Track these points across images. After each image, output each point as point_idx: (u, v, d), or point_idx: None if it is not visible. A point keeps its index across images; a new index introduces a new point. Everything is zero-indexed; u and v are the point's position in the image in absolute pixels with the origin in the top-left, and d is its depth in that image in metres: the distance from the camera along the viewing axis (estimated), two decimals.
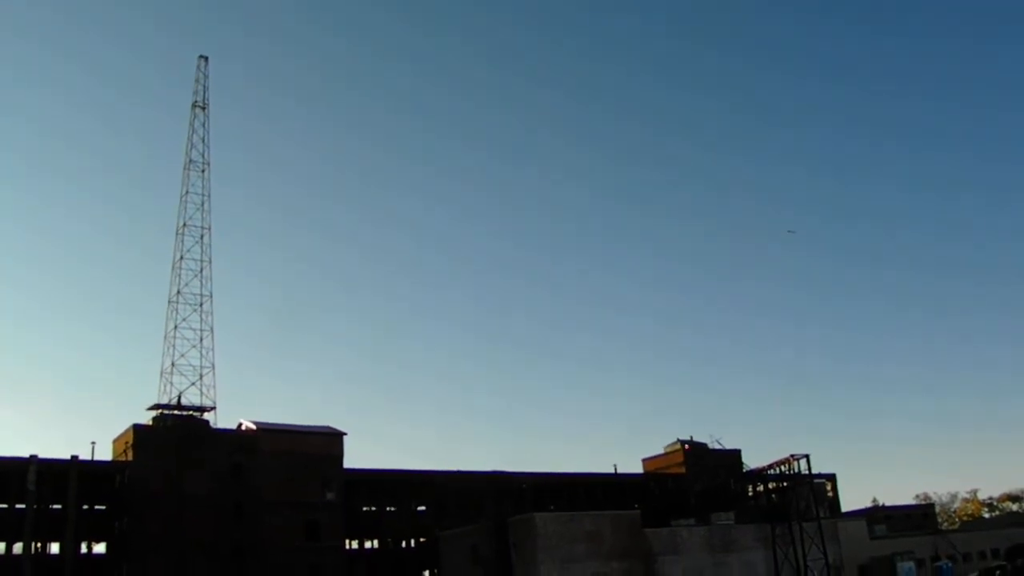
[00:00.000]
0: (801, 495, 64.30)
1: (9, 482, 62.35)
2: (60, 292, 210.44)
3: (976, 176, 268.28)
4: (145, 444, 66.55)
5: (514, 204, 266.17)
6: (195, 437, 68.83)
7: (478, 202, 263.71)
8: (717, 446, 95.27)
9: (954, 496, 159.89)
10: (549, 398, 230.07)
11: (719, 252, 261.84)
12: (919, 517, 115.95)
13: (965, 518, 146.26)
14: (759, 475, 67.98)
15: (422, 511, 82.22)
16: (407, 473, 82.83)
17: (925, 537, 78.45)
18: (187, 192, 79.40)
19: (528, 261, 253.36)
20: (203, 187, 79.97)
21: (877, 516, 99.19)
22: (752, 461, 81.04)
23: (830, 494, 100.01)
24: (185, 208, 78.83)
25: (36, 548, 62.38)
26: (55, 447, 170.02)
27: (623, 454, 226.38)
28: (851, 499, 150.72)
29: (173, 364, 73.35)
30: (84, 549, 66.70)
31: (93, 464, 67.53)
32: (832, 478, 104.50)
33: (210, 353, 74.90)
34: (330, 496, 71.77)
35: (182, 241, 77.70)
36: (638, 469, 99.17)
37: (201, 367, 73.95)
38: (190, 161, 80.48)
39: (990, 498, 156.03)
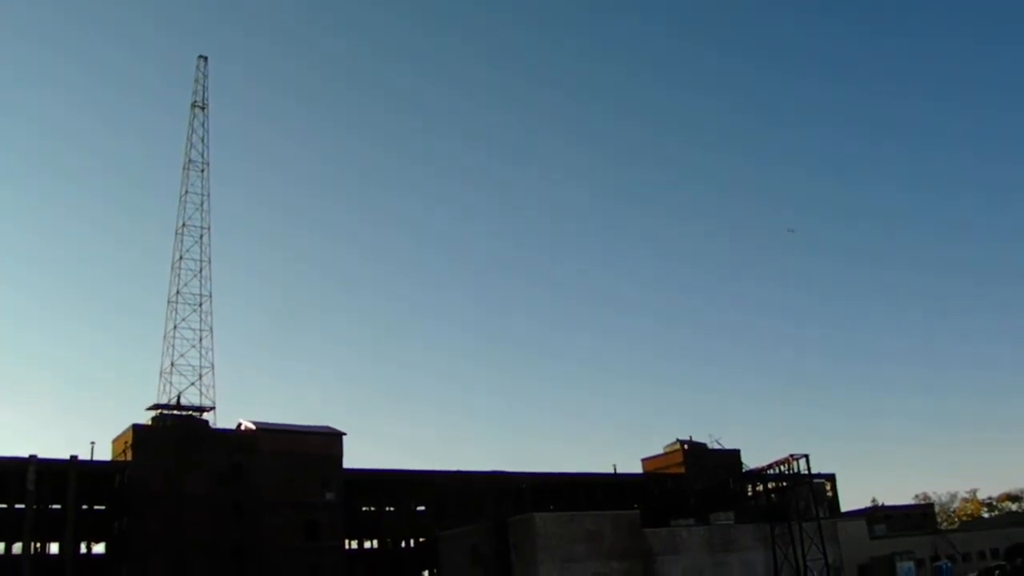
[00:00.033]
0: (801, 495, 64.33)
1: (8, 482, 62.33)
2: (60, 292, 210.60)
3: (976, 176, 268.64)
4: (144, 444, 66.53)
5: (514, 204, 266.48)
6: (194, 437, 68.81)
7: (478, 202, 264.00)
8: (716, 446, 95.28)
9: (953, 496, 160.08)
10: (549, 398, 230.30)
11: (719, 252, 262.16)
12: (918, 517, 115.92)
13: (964, 518, 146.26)
14: (759, 475, 68.03)
15: (422, 511, 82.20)
16: (407, 473, 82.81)
17: (924, 537, 78.48)
18: (186, 192, 79.48)
19: (528, 261, 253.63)
20: (202, 187, 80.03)
21: (876, 516, 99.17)
22: (751, 461, 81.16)
23: (829, 494, 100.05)
24: (184, 208, 78.94)
25: (35, 548, 62.36)
26: (54, 447, 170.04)
27: (623, 454, 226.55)
28: (850, 499, 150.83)
29: (172, 364, 73.42)
30: (83, 549, 66.72)
31: (92, 464, 67.57)
32: (832, 478, 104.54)
33: (209, 353, 75.02)
34: (329, 496, 71.75)
35: (181, 241, 77.80)
36: (638, 469, 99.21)
37: (200, 367, 74.04)
38: (189, 161, 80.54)
39: (989, 498, 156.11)
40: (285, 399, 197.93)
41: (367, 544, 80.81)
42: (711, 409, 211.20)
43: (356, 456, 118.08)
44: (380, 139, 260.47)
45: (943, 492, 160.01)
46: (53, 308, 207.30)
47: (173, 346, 74.08)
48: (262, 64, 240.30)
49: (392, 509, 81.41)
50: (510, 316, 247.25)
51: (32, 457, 61.65)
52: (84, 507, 65.56)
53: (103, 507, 68.17)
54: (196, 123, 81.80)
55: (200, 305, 76.19)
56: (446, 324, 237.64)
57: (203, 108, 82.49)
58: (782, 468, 64.50)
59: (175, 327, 74.76)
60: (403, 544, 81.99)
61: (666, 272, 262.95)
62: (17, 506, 62.34)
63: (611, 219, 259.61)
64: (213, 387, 73.81)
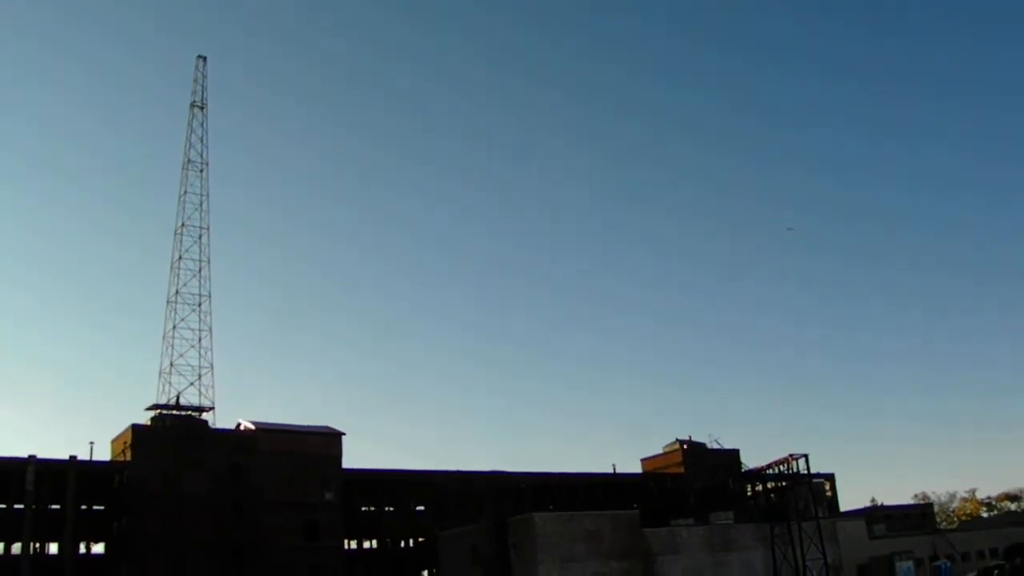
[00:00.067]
0: (800, 495, 64.32)
1: (8, 482, 62.28)
2: (59, 292, 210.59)
3: (976, 176, 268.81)
4: (144, 444, 66.50)
5: (514, 204, 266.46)
6: (194, 437, 68.78)
7: (478, 202, 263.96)
8: (716, 446, 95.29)
9: (953, 496, 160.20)
10: (549, 398, 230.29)
11: (719, 252, 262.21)
12: (918, 517, 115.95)
13: (964, 518, 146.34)
14: (758, 475, 68.02)
15: (421, 511, 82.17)
16: (406, 473, 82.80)
17: (924, 537, 78.51)
18: (185, 192, 79.47)
19: (528, 261, 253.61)
20: (202, 187, 80.00)
21: (876, 516, 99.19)
22: (751, 461, 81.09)
23: (829, 494, 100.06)
24: (183, 208, 78.92)
25: (35, 548, 62.33)
26: (54, 447, 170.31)
27: (622, 454, 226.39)
28: (850, 499, 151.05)
29: (172, 364, 73.42)
30: (83, 549, 66.65)
31: (92, 464, 67.54)
32: (831, 478, 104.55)
33: (209, 353, 75.01)
34: (329, 496, 71.74)
35: (180, 241, 77.77)
36: (637, 469, 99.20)
37: (200, 367, 74.03)
38: (188, 161, 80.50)
39: (988, 497, 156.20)
40: (285, 399, 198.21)
41: (367, 544, 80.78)
42: (711, 409, 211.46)
43: (356, 456, 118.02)
44: (380, 139, 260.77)
45: (942, 492, 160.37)
46: (53, 308, 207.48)
47: (172, 346, 74.18)
48: (262, 64, 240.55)
49: (392, 509, 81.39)
50: (510, 316, 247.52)
51: (31, 457, 61.64)
52: (83, 507, 65.50)
53: (102, 507, 68.11)
54: (195, 123, 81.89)
55: (199, 305, 76.23)
56: (446, 324, 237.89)
57: (202, 108, 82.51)
58: (781, 468, 64.49)
59: (174, 327, 74.80)
60: (403, 544, 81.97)
61: (666, 272, 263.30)
62: (16, 506, 62.29)
63: (611, 219, 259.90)
64: (212, 387, 73.94)
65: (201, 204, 79.29)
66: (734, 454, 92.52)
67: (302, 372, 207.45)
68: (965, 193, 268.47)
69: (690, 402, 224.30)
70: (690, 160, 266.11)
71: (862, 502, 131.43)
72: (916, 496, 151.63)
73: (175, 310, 75.35)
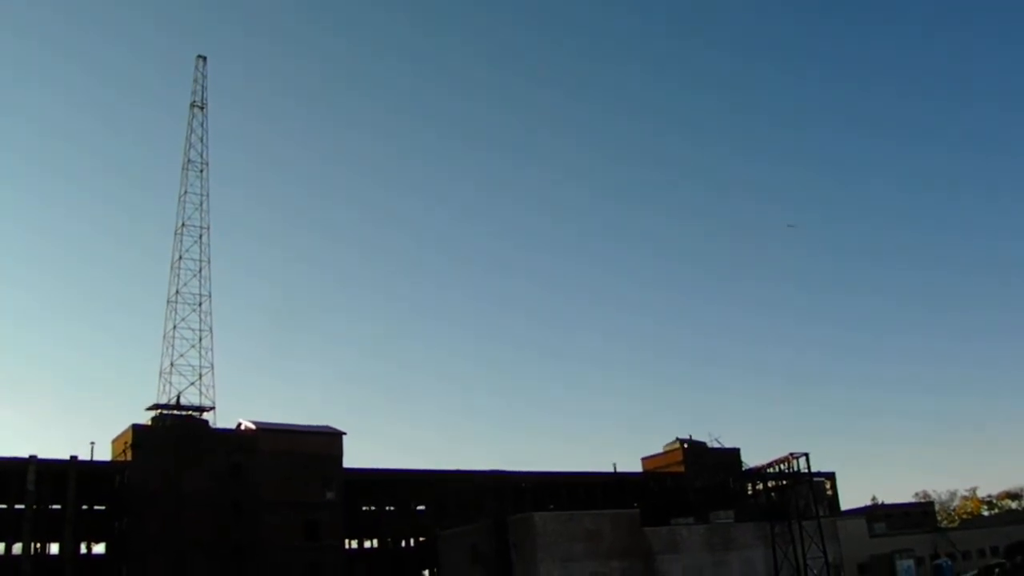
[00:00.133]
0: (800, 493, 64.35)
1: (8, 482, 62.33)
2: (60, 292, 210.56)
3: (976, 175, 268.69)
4: (144, 444, 66.53)
5: (514, 204, 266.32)
6: (194, 437, 68.80)
7: (478, 202, 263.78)
8: (716, 445, 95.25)
9: (953, 494, 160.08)
10: (549, 398, 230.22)
11: (719, 252, 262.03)
12: (918, 515, 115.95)
13: (964, 516, 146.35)
14: (758, 474, 68.04)
15: (421, 511, 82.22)
16: (407, 473, 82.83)
17: (924, 535, 78.50)
18: (185, 192, 79.48)
19: (528, 261, 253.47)
20: (202, 187, 80.00)
21: (876, 514, 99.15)
22: (751, 460, 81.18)
23: (829, 492, 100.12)
24: (184, 208, 78.93)
25: (35, 548, 62.36)
26: (54, 447, 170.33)
27: (622, 453, 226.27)
28: (850, 497, 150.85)
29: (172, 364, 73.41)
30: (83, 549, 66.68)
31: (92, 464, 67.55)
32: (831, 476, 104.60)
33: (209, 353, 75.02)
34: (329, 496, 71.75)
35: (180, 241, 77.79)
36: (637, 468, 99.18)
37: (200, 367, 74.03)
38: (188, 161, 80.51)
39: (989, 496, 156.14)
40: (285, 399, 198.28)
41: (367, 544, 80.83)
42: (711, 408, 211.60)
43: (356, 456, 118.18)
44: (380, 139, 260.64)
45: (943, 490, 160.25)
46: (53, 308, 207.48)
47: (173, 346, 74.18)
48: (262, 64, 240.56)
49: (392, 509, 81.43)
50: (510, 316, 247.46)
51: (32, 457, 61.71)
52: (84, 507, 65.56)
53: (103, 507, 68.14)
54: (195, 123, 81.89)
55: (200, 305, 76.24)
56: (446, 324, 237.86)
57: (202, 108, 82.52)
58: (782, 467, 64.50)
59: (175, 327, 74.81)
60: (403, 543, 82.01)
61: (666, 272, 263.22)
62: (17, 506, 62.34)
63: (611, 219, 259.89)
64: (213, 387, 73.93)
65: (201, 204, 79.39)
66: (734, 453, 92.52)
67: (302, 372, 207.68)
68: (965, 192, 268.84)
69: (690, 401, 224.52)
70: (690, 160, 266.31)
71: (863, 501, 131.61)
72: (917, 494, 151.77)
73: (175, 310, 75.45)
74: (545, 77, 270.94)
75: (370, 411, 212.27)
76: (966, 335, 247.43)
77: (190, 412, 72.05)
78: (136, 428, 67.77)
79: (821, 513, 66.33)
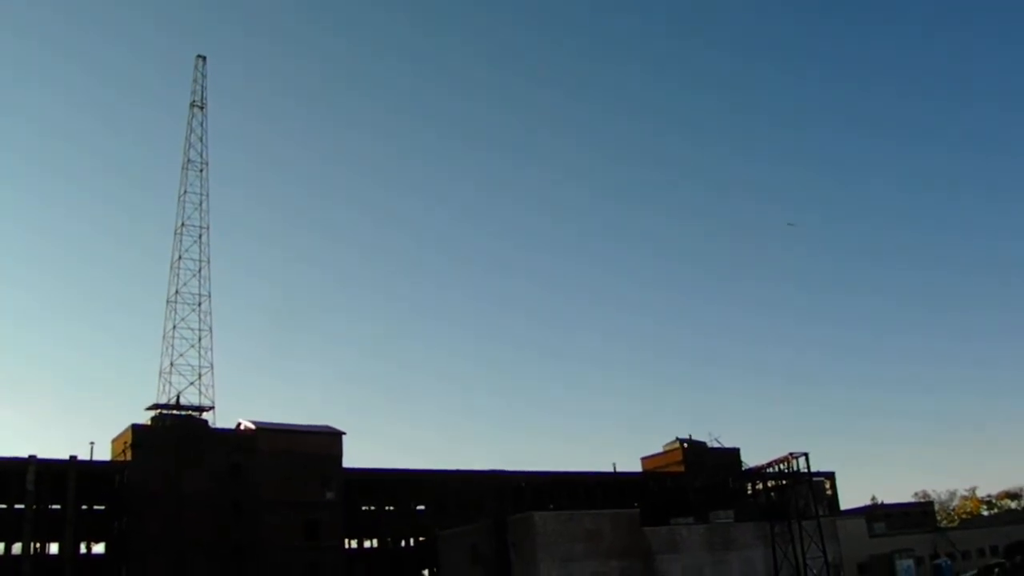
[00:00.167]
0: (800, 493, 64.38)
1: (8, 482, 62.31)
2: (60, 292, 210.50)
3: (975, 174, 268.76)
4: (144, 444, 66.50)
5: (514, 204, 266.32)
6: (194, 437, 68.78)
7: (478, 202, 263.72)
8: (716, 444, 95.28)
9: (953, 494, 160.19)
10: (549, 398, 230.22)
11: (719, 252, 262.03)
12: (918, 515, 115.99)
13: (964, 516, 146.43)
14: (758, 473, 68.08)
15: (421, 510, 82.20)
16: (406, 472, 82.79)
17: (924, 535, 78.53)
18: (185, 192, 79.42)
19: (528, 261, 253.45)
20: (201, 187, 79.96)
21: (876, 514, 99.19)
22: (751, 459, 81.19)
23: (829, 492, 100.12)
24: (183, 208, 78.88)
25: (35, 548, 62.33)
26: (54, 447, 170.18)
27: (622, 453, 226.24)
28: (850, 497, 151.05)
29: (172, 364, 73.38)
30: (83, 549, 66.63)
31: (92, 464, 67.51)
32: (831, 476, 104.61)
33: (209, 353, 74.98)
34: (329, 495, 71.74)
35: (180, 241, 77.75)
36: (637, 468, 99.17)
37: (200, 367, 73.99)
38: (188, 161, 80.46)
39: (989, 496, 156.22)
40: (285, 399, 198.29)
41: (367, 543, 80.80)
42: (710, 408, 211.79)
43: (356, 456, 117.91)
44: (380, 139, 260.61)
45: (942, 490, 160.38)
46: (53, 308, 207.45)
47: (172, 346, 74.14)
48: (262, 64, 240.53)
49: (392, 508, 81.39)
50: (510, 316, 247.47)
51: (32, 457, 61.70)
52: (84, 507, 65.50)
53: (103, 507, 68.10)
54: (195, 123, 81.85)
55: (199, 305, 76.22)
56: (446, 324, 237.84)
57: (202, 108, 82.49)
58: (782, 466, 64.53)
59: (174, 327, 74.78)
60: (403, 543, 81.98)
61: (666, 272, 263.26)
62: (17, 506, 62.32)
63: (611, 219, 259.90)
64: (212, 387, 73.89)
65: (201, 204, 79.35)
66: (734, 453, 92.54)
67: (302, 372, 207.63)
68: (965, 192, 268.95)
69: (690, 401, 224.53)
70: (690, 160, 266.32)
71: (862, 500, 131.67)
72: (916, 494, 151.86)
73: (175, 310, 75.42)
74: (545, 77, 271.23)
75: (370, 411, 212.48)
76: (966, 335, 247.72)
77: (190, 412, 72.02)
78: (136, 428, 67.75)
79: (821, 513, 66.34)
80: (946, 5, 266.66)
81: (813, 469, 65.38)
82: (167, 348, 73.97)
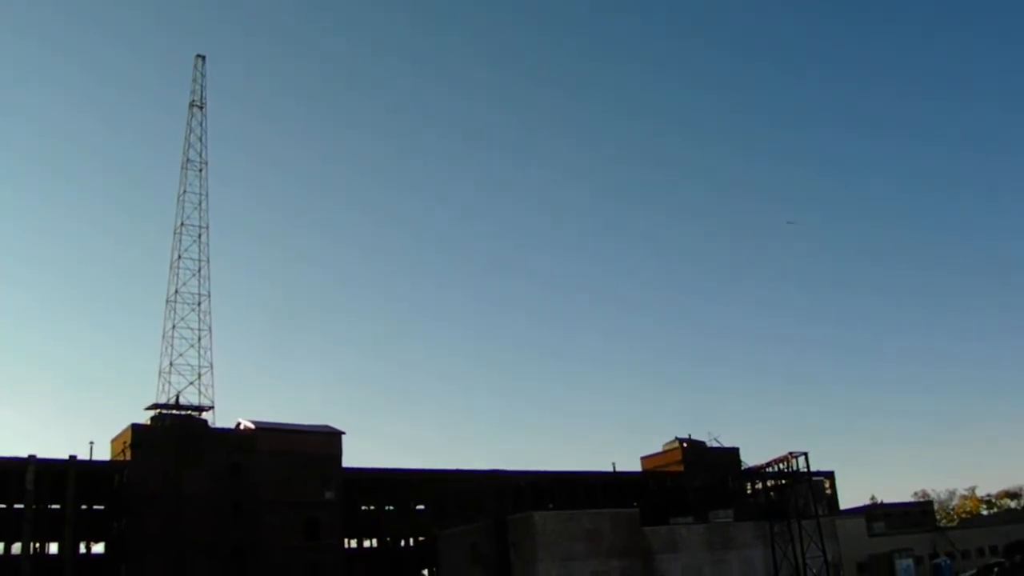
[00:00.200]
0: (800, 493, 64.39)
1: (8, 482, 62.25)
2: (59, 292, 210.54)
3: (976, 174, 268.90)
4: (143, 444, 66.46)
5: (514, 204, 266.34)
6: (193, 437, 68.75)
7: (478, 202, 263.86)
8: (715, 444, 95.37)
9: (952, 493, 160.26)
10: (549, 398, 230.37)
11: (719, 252, 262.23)
12: (917, 515, 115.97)
13: (963, 515, 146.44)
14: (758, 473, 68.06)
15: (421, 510, 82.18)
16: (406, 472, 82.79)
17: (924, 534, 78.54)
18: (184, 191, 79.42)
19: (528, 261, 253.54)
20: (201, 186, 79.95)
21: (876, 514, 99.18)
22: (750, 459, 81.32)
23: (828, 492, 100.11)
24: (183, 207, 78.87)
25: (35, 548, 62.31)
26: (54, 447, 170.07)
27: (622, 453, 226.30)
28: (849, 497, 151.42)
29: (171, 364, 73.37)
30: (83, 549, 66.60)
31: (91, 464, 67.47)
32: (831, 476, 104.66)
33: (208, 352, 74.97)
34: (329, 495, 71.72)
35: (180, 240, 77.73)
36: (637, 467, 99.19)
37: (199, 366, 73.99)
38: (188, 160, 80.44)
39: (988, 495, 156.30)
40: (284, 399, 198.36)
41: (367, 543, 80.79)
42: (710, 407, 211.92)
43: (356, 455, 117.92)
44: (380, 139, 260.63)
45: (942, 490, 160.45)
46: (53, 308, 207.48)
47: (172, 346, 74.14)
48: (262, 64, 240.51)
49: (392, 508, 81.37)
50: (510, 316, 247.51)
51: (31, 457, 61.65)
52: (83, 507, 65.45)
53: (102, 507, 68.04)
54: (194, 122, 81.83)
55: (199, 304, 76.20)
56: (446, 324, 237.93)
57: (201, 107, 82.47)
58: (781, 466, 64.52)
59: (174, 327, 74.76)
60: (402, 543, 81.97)
61: (666, 272, 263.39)
62: (16, 506, 62.26)
63: (611, 219, 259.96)
64: (212, 386, 73.90)
65: (200, 203, 79.33)
66: (734, 452, 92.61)
67: (302, 372, 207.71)
68: (965, 192, 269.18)
69: (690, 401, 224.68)
70: (690, 160, 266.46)
71: (862, 500, 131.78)
72: (916, 494, 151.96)
73: (175, 309, 75.40)
74: (545, 77, 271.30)
75: (370, 411, 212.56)
76: (966, 335, 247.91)
77: (189, 412, 72.00)
78: (135, 428, 67.71)
79: (820, 512, 66.34)
80: (946, 5, 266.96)
81: (813, 469, 65.39)
82: (167, 348, 74.09)
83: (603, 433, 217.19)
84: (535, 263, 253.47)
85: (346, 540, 75.53)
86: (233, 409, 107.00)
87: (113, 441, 72.77)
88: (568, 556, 53.07)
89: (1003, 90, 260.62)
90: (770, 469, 65.62)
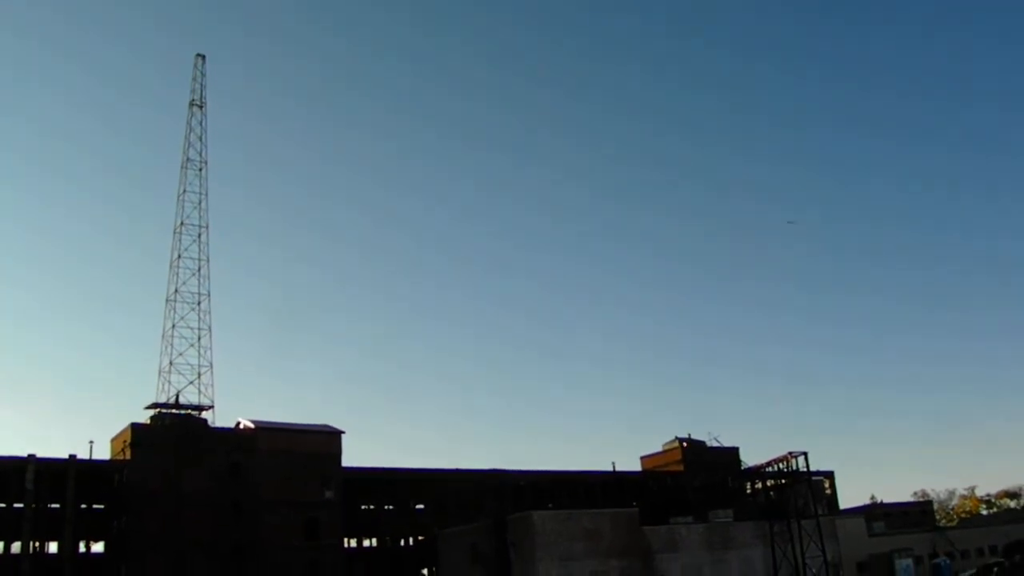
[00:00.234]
0: (799, 492, 64.39)
1: (8, 481, 62.24)
2: (59, 291, 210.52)
3: (976, 174, 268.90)
4: (143, 443, 66.45)
5: (514, 204, 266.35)
6: (193, 436, 68.74)
7: (478, 202, 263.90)
8: (715, 444, 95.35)
9: (952, 493, 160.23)
10: (549, 397, 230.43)
11: (719, 252, 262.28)
12: (917, 514, 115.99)
13: (963, 515, 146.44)
14: (757, 472, 68.05)
15: (421, 510, 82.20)
16: (406, 472, 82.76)
17: (923, 534, 78.55)
18: (184, 191, 79.39)
19: (528, 261, 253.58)
20: (200, 186, 79.94)
21: (875, 513, 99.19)
22: (750, 459, 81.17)
23: (828, 491, 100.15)
24: (182, 207, 78.84)
25: (35, 547, 62.33)
26: (53, 446, 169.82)
27: (622, 452, 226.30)
28: (849, 496, 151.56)
29: (171, 363, 73.36)
30: (82, 548, 66.62)
31: (91, 463, 67.48)
32: (830, 475, 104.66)
33: (208, 352, 74.95)
34: (329, 495, 71.71)
35: (179, 240, 77.71)
36: (636, 467, 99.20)
37: (199, 366, 73.97)
38: (187, 160, 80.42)
39: (988, 495, 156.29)
40: (284, 398, 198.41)
41: (366, 543, 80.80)
42: (710, 407, 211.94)
43: (355, 455, 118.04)
44: (380, 139, 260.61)
45: (941, 489, 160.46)
46: (52, 307, 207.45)
47: (172, 345, 74.12)
48: (262, 64, 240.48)
49: (391, 508, 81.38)
50: (510, 316, 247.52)
51: (31, 456, 61.66)
52: (83, 506, 65.48)
53: (102, 506, 68.06)
54: (194, 122, 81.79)
55: (199, 304, 76.18)
56: (446, 324, 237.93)
57: (201, 107, 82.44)
58: (781, 466, 64.51)
59: (173, 326, 74.75)
60: (402, 543, 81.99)
61: (666, 272, 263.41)
62: (16, 505, 62.28)
63: (611, 219, 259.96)
64: (212, 386, 73.88)
65: (200, 203, 79.31)
66: (733, 452, 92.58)
67: (302, 371, 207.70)
68: (965, 192, 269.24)
69: (690, 401, 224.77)
70: (690, 160, 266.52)
71: (861, 500, 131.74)
72: (915, 494, 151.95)
73: (174, 309, 75.39)
74: (545, 77, 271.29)
75: (369, 410, 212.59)
76: (966, 335, 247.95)
77: (189, 411, 71.99)
78: (135, 427, 67.69)
79: (820, 512, 66.35)
80: (946, 5, 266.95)
81: (812, 468, 65.37)
82: (166, 347, 74.07)
83: (603, 433, 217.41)
84: (535, 263, 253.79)
85: (346, 540, 75.53)
86: (233, 408, 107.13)
87: (113, 440, 72.77)
88: (568, 556, 53.08)
89: (1003, 90, 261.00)
90: (770, 469, 65.62)
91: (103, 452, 72.11)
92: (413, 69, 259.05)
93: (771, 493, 65.64)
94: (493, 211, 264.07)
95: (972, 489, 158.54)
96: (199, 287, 76.62)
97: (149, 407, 71.14)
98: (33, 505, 60.81)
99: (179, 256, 77.09)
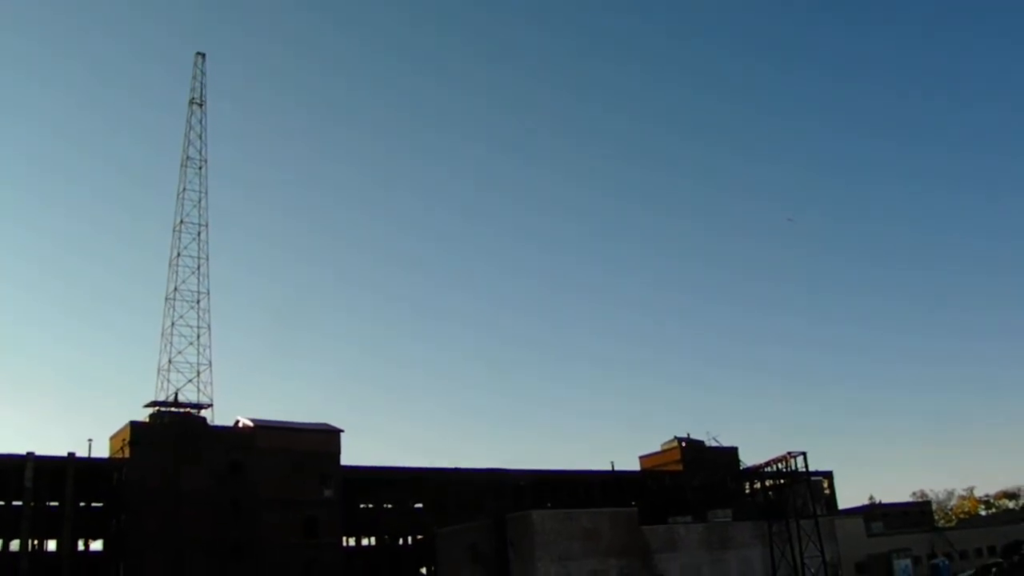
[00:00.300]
0: (798, 492, 64.42)
1: (6, 479, 62.19)
2: (58, 290, 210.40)
3: (976, 174, 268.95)
4: (142, 441, 66.40)
5: (515, 203, 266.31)
6: (192, 434, 68.72)
7: (478, 201, 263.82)
8: (714, 443, 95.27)
9: (951, 493, 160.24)
10: (548, 396, 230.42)
11: (719, 251, 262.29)
12: (916, 514, 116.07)
13: (962, 515, 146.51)
14: (756, 472, 68.08)
15: (420, 508, 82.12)
16: (405, 470, 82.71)
17: (922, 534, 78.61)
18: (184, 189, 79.31)
19: (529, 261, 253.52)
20: (200, 184, 79.88)
21: (874, 513, 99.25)
22: (749, 458, 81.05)
23: (827, 491, 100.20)
24: (182, 205, 78.76)
25: (33, 545, 62.32)
26: (52, 444, 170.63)
27: (621, 452, 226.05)
28: (848, 496, 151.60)
29: (170, 361, 73.32)
30: (81, 546, 66.63)
31: (90, 461, 67.37)
32: (829, 475, 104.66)
33: (207, 350, 74.90)
34: (328, 493, 71.69)
35: (179, 238, 77.66)
36: (635, 467, 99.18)
37: (198, 364, 73.93)
38: (187, 158, 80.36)
39: (986, 495, 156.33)
40: (283, 396, 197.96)
41: (365, 541, 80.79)
42: (709, 407, 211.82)
43: (355, 453, 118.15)
44: (380, 138, 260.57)
45: (940, 490, 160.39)
46: (52, 306, 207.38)
47: (171, 343, 74.07)
48: (262, 63, 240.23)
49: (390, 506, 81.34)
50: (510, 316, 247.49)
51: (30, 454, 61.62)
52: (82, 504, 65.42)
53: (101, 504, 68.03)
54: (194, 120, 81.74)
55: (198, 302, 76.13)
56: (446, 324, 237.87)
57: (201, 105, 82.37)
58: (780, 466, 64.53)
59: (173, 324, 74.70)
60: (401, 541, 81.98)
61: (666, 271, 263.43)
62: (15, 503, 62.22)
63: (612, 218, 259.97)
64: (211, 384, 73.84)
65: (200, 201, 79.26)
66: (732, 452, 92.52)
67: (301, 370, 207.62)
68: (965, 192, 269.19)
69: (689, 400, 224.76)
70: (690, 160, 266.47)
71: (860, 500, 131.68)
72: (914, 494, 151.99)
73: (174, 307, 75.34)
74: (545, 77, 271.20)
75: (369, 409, 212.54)
76: (966, 335, 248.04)
77: (188, 409, 71.97)
78: (134, 425, 67.64)
79: (819, 512, 66.38)
80: (946, 5, 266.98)
81: (811, 468, 65.39)
82: (166, 345, 74.04)
83: (602, 432, 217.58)
84: (535, 263, 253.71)
85: (345, 538, 75.50)
86: (232, 407, 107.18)
87: (112, 438, 72.74)
88: (567, 555, 53.10)
89: (1003, 90, 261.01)
90: (769, 469, 65.65)
91: (102, 450, 72.15)
92: (413, 68, 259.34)
93: (770, 493, 65.68)
94: (493, 211, 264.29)
95: (971, 490, 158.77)
96: (199, 285, 76.67)
97: (148, 405, 71.15)
98: (32, 503, 60.78)
99: (179, 254, 77.10)
